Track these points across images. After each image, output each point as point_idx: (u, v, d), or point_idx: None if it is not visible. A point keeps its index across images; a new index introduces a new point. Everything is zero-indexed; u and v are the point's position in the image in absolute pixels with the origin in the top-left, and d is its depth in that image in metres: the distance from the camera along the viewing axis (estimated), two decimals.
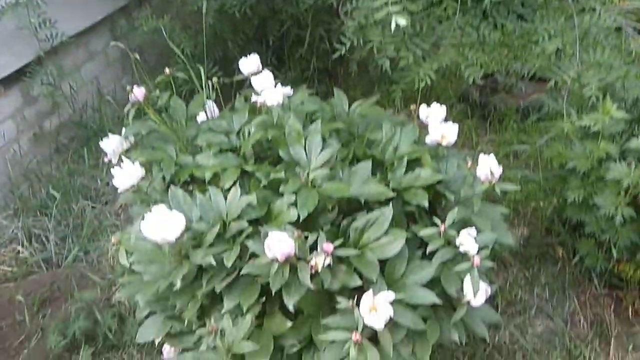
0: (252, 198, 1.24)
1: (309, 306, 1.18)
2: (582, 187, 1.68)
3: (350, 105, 1.57)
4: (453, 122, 1.39)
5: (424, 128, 1.44)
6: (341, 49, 1.83)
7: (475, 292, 1.16)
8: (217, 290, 1.16)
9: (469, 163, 1.31)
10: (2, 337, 1.77)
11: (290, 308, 1.11)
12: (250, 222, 1.22)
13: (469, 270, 1.17)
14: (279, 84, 1.46)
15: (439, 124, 1.40)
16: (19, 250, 2.05)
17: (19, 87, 2.42)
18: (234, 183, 1.29)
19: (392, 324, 1.10)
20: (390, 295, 1.06)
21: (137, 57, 1.58)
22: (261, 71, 1.52)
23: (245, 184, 1.33)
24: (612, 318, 1.79)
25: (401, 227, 1.26)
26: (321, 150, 1.31)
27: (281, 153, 1.33)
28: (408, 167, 1.35)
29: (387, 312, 1.04)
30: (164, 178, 1.39)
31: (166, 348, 1.39)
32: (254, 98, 1.46)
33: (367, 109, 1.53)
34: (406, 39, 1.79)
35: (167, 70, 1.53)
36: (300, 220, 1.20)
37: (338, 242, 1.15)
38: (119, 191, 1.37)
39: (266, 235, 1.10)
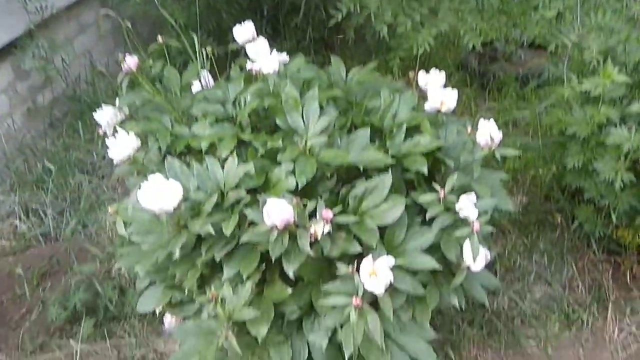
0: (250, 167, 1.22)
1: (308, 273, 1.18)
2: (581, 153, 1.66)
3: (347, 73, 1.55)
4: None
5: (422, 98, 1.42)
6: (337, 15, 1.80)
7: (475, 257, 1.16)
8: (217, 259, 1.16)
9: (469, 129, 1.30)
10: (3, 310, 1.78)
11: (290, 275, 1.11)
12: (248, 192, 1.21)
13: (468, 235, 1.17)
14: (274, 51, 1.43)
15: (438, 90, 1.37)
16: (16, 225, 2.05)
17: (10, 61, 2.38)
18: (231, 152, 1.28)
19: (392, 290, 1.10)
20: (390, 260, 1.06)
21: (129, 25, 1.55)
22: (256, 39, 1.49)
23: (243, 154, 1.32)
24: (610, 283, 1.80)
25: (400, 194, 1.25)
26: (319, 118, 1.29)
27: (278, 121, 1.32)
28: (407, 134, 1.33)
29: (387, 277, 1.04)
30: (159, 149, 1.38)
31: (167, 318, 1.40)
32: (249, 65, 1.44)
33: (364, 76, 1.51)
34: (404, 4, 1.75)
35: (159, 38, 1.49)
36: (299, 189, 1.19)
37: (337, 209, 1.14)
38: (114, 163, 1.35)
39: (265, 203, 1.10)
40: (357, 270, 1.06)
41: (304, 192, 1.19)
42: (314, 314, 1.18)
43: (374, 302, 1.09)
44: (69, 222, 2.04)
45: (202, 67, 1.55)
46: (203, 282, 1.24)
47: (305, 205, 1.14)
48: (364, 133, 1.30)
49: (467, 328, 1.67)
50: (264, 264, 1.17)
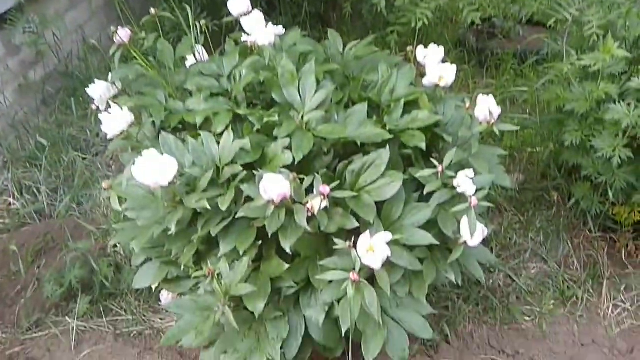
0: (246, 142, 1.21)
1: (305, 249, 1.18)
2: (579, 130, 1.66)
3: (344, 47, 1.52)
4: None
5: (420, 76, 1.40)
6: None
7: (472, 233, 1.16)
8: (213, 234, 1.15)
9: (467, 104, 1.28)
10: None
11: (287, 250, 1.10)
12: (244, 167, 1.19)
13: (466, 211, 1.16)
14: (270, 24, 1.40)
15: (436, 65, 1.36)
16: (10, 202, 2.03)
17: (1, 36, 2.33)
18: (226, 127, 1.26)
19: (389, 265, 1.10)
20: (387, 235, 1.05)
21: None
22: (251, 12, 1.46)
23: (238, 129, 1.30)
24: (606, 260, 1.81)
25: (398, 170, 1.24)
26: (315, 92, 1.27)
27: (274, 95, 1.29)
28: (405, 110, 1.31)
29: (385, 252, 1.03)
30: (154, 124, 1.36)
31: (164, 294, 1.39)
32: (244, 38, 1.41)
33: (362, 50, 1.48)
34: None
35: (152, 10, 1.46)
36: (296, 164, 1.18)
37: (334, 184, 1.13)
38: (108, 137, 1.33)
39: (261, 178, 1.08)
40: (354, 245, 1.05)
41: (300, 168, 1.18)
42: (311, 289, 1.18)
43: (370, 277, 1.09)
44: (63, 200, 2.02)
45: (196, 42, 1.52)
46: (199, 259, 1.23)
47: (302, 181, 1.12)
48: (362, 108, 1.28)
49: (462, 304, 1.68)
50: (260, 241, 1.17)
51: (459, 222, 1.19)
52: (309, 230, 1.09)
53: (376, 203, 1.16)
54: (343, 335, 1.12)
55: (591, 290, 1.74)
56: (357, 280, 1.03)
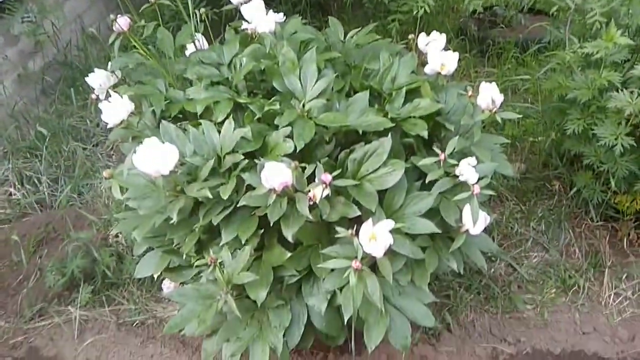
0: (247, 130, 1.20)
1: (307, 237, 1.17)
2: (582, 118, 1.65)
3: (345, 36, 1.51)
4: None
5: (421, 64, 1.39)
6: None
7: (475, 221, 1.15)
8: (215, 223, 1.15)
9: (469, 92, 1.27)
10: (1, 277, 1.78)
11: (289, 239, 1.10)
12: (246, 156, 1.19)
13: (468, 199, 1.16)
14: (270, 11, 1.39)
15: (438, 53, 1.34)
16: (11, 192, 2.03)
17: None
18: (227, 116, 1.25)
19: (391, 254, 1.10)
20: (389, 223, 1.05)
21: None
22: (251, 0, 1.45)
23: (239, 118, 1.30)
24: (607, 249, 1.81)
25: (400, 159, 1.23)
26: (317, 80, 1.26)
27: (275, 84, 1.29)
28: (406, 98, 1.30)
29: (387, 240, 1.03)
30: (154, 113, 1.35)
31: (166, 283, 1.40)
32: (244, 26, 1.40)
33: (363, 38, 1.47)
34: None
35: None
36: (297, 153, 1.17)
37: (336, 173, 1.13)
38: (108, 127, 1.33)
39: (262, 166, 1.08)
40: (357, 233, 1.05)
41: (302, 157, 1.18)
42: (313, 278, 1.18)
43: (372, 266, 1.09)
44: (63, 190, 2.02)
45: (195, 31, 1.51)
46: (201, 248, 1.23)
47: (303, 169, 1.12)
48: (363, 96, 1.27)
49: (464, 293, 1.69)
50: (262, 230, 1.16)
51: (461, 211, 1.19)
52: (310, 218, 1.09)
53: (378, 192, 1.16)
54: (345, 323, 1.12)
55: (592, 279, 1.74)
56: (360, 268, 1.03)
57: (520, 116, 1.30)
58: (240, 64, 1.36)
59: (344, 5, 2.46)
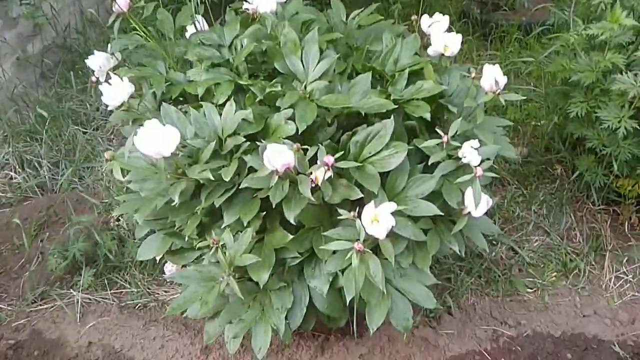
0: (248, 112, 1.19)
1: (309, 219, 1.17)
2: (585, 101, 1.64)
3: (347, 17, 1.49)
4: None
5: (424, 46, 1.38)
6: None
7: (477, 203, 1.15)
8: (217, 205, 1.14)
9: (473, 74, 1.26)
10: (2, 260, 1.78)
11: (292, 221, 1.10)
12: (247, 138, 1.18)
13: (470, 182, 1.15)
14: None
15: (441, 34, 1.33)
16: (11, 176, 2.02)
17: None
18: (228, 98, 1.24)
19: (393, 236, 1.10)
20: (392, 205, 1.04)
21: None
22: None
23: (240, 100, 1.28)
24: (608, 233, 1.81)
25: (402, 141, 1.23)
26: (319, 62, 1.25)
27: (276, 65, 1.27)
28: (409, 80, 1.29)
29: (389, 222, 1.03)
30: (154, 95, 1.34)
31: (168, 266, 1.40)
32: (245, 6, 1.38)
33: (366, 19, 1.45)
34: None
35: None
36: (299, 135, 1.17)
37: (338, 155, 1.12)
38: (109, 109, 1.32)
39: (264, 148, 1.07)
40: (359, 215, 1.05)
41: (303, 139, 1.17)
42: (315, 260, 1.18)
43: (374, 248, 1.09)
44: (64, 173, 2.01)
45: (195, 12, 1.49)
46: (203, 230, 1.23)
47: (305, 151, 1.11)
48: (366, 78, 1.26)
49: (465, 276, 1.69)
50: (264, 212, 1.16)
51: (463, 193, 1.18)
52: (313, 200, 1.09)
53: (380, 174, 1.15)
54: (347, 305, 1.12)
55: (593, 263, 1.74)
56: (362, 250, 1.03)
57: (524, 97, 1.29)
58: (241, 45, 1.34)
59: None
